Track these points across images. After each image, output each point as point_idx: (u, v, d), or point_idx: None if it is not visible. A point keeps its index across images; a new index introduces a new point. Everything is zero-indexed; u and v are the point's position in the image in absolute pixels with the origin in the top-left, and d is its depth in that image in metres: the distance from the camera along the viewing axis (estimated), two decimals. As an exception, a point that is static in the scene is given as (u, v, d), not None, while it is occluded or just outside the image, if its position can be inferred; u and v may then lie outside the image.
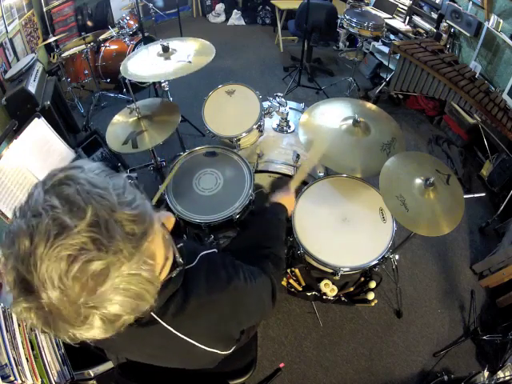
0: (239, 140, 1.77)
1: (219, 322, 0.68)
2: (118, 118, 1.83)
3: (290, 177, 1.76)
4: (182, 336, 0.65)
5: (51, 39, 2.99)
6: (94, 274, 0.42)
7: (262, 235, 0.99)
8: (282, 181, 1.81)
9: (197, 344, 0.66)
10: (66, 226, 0.41)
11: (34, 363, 1.22)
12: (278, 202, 1.13)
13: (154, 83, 3.10)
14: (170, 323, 0.63)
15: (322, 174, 1.73)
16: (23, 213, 0.44)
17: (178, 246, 0.70)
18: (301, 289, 1.68)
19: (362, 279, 1.60)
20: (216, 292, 0.66)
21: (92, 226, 0.42)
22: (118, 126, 1.78)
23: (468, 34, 2.67)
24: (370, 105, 1.74)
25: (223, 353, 0.73)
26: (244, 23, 4.94)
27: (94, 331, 0.46)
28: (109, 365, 1.47)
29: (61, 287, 0.41)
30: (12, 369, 1.12)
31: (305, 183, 1.71)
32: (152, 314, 0.61)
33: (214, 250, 0.76)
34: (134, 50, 3.22)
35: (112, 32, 3.20)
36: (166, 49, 1.86)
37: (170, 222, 0.60)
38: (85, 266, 0.41)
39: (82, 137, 2.48)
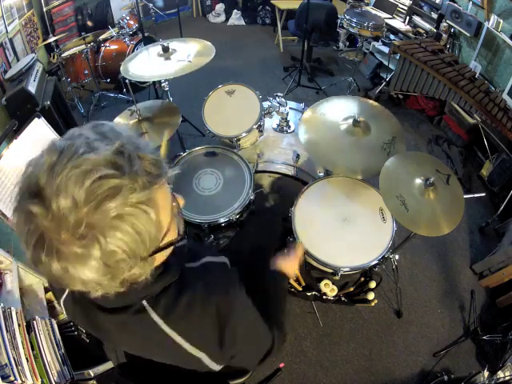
0: (239, 140, 1.77)
1: (209, 326, 0.66)
2: (118, 120, 1.83)
3: (291, 177, 1.76)
4: (169, 330, 0.63)
5: (51, 39, 2.99)
6: (106, 189, 0.44)
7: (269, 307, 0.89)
8: (281, 184, 1.80)
9: (182, 342, 0.64)
10: (94, 147, 0.46)
11: (34, 363, 1.22)
12: (279, 269, 1.02)
13: (154, 83, 3.11)
14: (160, 315, 0.62)
15: (321, 174, 1.73)
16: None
17: (181, 243, 0.69)
18: (301, 289, 1.68)
19: (362, 279, 1.59)
20: (211, 296, 0.65)
21: (117, 153, 0.46)
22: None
23: (468, 34, 2.67)
24: (371, 101, 1.74)
25: (209, 363, 0.69)
26: (244, 23, 4.94)
27: (87, 266, 0.45)
28: (109, 365, 1.47)
29: (73, 196, 0.43)
30: (12, 369, 1.12)
31: (305, 183, 1.71)
32: (144, 302, 0.61)
33: (225, 261, 0.73)
34: (133, 50, 3.22)
35: (112, 32, 3.20)
36: (166, 49, 1.86)
37: (181, 200, 0.63)
38: (100, 180, 0.43)
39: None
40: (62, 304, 0.71)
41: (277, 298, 0.97)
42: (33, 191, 0.44)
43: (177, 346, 0.65)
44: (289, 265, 1.05)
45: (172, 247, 0.59)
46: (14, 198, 0.46)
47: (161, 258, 0.59)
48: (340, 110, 1.65)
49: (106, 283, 0.49)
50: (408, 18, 3.25)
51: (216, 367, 0.71)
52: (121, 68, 1.81)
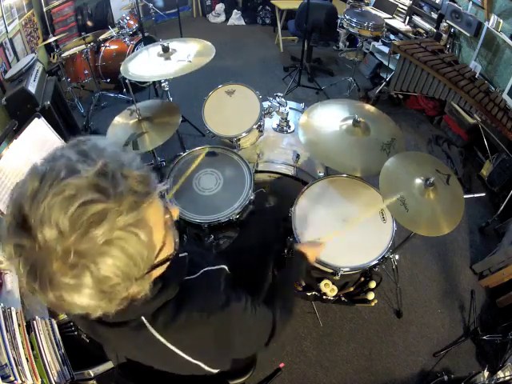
0: (239, 140, 1.77)
1: (206, 341, 0.66)
2: (118, 120, 1.83)
3: (291, 177, 1.76)
4: (168, 345, 0.64)
5: (51, 39, 2.98)
6: (91, 216, 0.42)
7: (277, 293, 0.96)
8: (281, 183, 1.80)
9: (181, 354, 0.65)
10: (75, 170, 0.44)
11: (34, 363, 1.21)
12: (301, 251, 1.13)
13: (153, 83, 3.11)
14: (159, 331, 0.62)
15: (321, 174, 1.73)
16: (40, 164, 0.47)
17: (182, 254, 0.68)
18: (301, 289, 1.68)
19: (362, 279, 1.59)
20: (209, 313, 0.64)
21: (100, 174, 0.44)
22: (119, 128, 1.78)
23: (468, 34, 2.67)
24: (368, 107, 1.74)
25: (207, 368, 0.71)
26: (244, 23, 4.94)
27: (82, 294, 0.44)
28: (109, 365, 1.47)
29: (58, 225, 0.41)
30: (12, 369, 1.12)
31: (305, 183, 1.71)
32: (143, 318, 0.61)
33: (223, 266, 0.73)
34: (133, 50, 3.22)
35: (112, 32, 3.20)
36: (166, 49, 1.86)
37: (175, 211, 0.60)
38: (84, 206, 0.42)
39: (82, 137, 2.48)
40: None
41: (291, 277, 1.04)
42: (19, 222, 0.43)
43: (176, 356, 0.65)
44: (311, 250, 1.15)
45: (169, 262, 0.58)
46: (5, 228, 0.45)
47: (158, 272, 0.58)
48: (337, 113, 1.65)
49: (104, 306, 0.48)
50: (408, 18, 3.25)
51: (215, 371, 0.73)
52: (121, 68, 1.81)
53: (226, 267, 0.75)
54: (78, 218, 0.42)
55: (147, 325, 0.61)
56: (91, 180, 0.43)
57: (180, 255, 0.67)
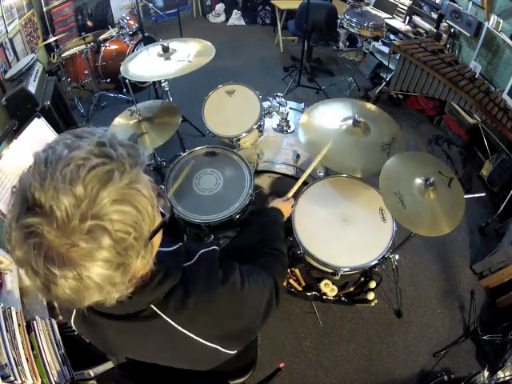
0: (239, 140, 1.77)
1: (220, 318, 0.69)
2: (118, 120, 1.83)
3: (291, 177, 1.76)
4: (183, 330, 0.65)
5: (51, 39, 2.99)
6: (100, 177, 0.45)
7: (262, 234, 1.01)
8: (281, 183, 1.81)
9: (197, 338, 0.67)
10: (76, 147, 0.48)
11: (34, 363, 1.22)
12: (274, 206, 1.17)
13: (154, 83, 3.11)
14: (171, 317, 0.64)
15: (321, 174, 1.72)
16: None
17: (177, 245, 0.72)
18: (301, 289, 1.68)
19: (362, 279, 1.59)
20: (215, 289, 0.67)
21: (98, 145, 0.49)
22: (119, 128, 1.78)
23: (468, 34, 2.67)
24: (369, 105, 1.74)
25: (225, 351, 0.72)
26: (244, 23, 4.94)
27: (100, 262, 0.45)
28: (109, 365, 1.47)
29: (73, 192, 0.43)
30: (12, 369, 1.12)
31: (305, 183, 1.71)
32: (153, 307, 0.62)
33: (215, 247, 0.77)
34: (133, 50, 3.22)
35: (112, 32, 3.20)
36: (166, 49, 1.86)
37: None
38: (93, 170, 0.45)
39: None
40: (72, 325, 0.72)
41: (275, 227, 1.07)
42: (28, 207, 0.44)
43: (192, 342, 0.66)
44: (283, 205, 1.20)
45: (161, 231, 0.60)
46: (8, 227, 0.46)
47: (156, 244, 0.60)
48: (337, 113, 1.65)
49: (118, 280, 0.49)
50: (408, 18, 3.25)
51: (232, 352, 0.74)
52: (121, 68, 1.81)
53: (217, 248, 0.78)
54: (89, 182, 0.44)
55: (159, 312, 0.63)
56: (94, 149, 0.47)
57: (175, 246, 0.71)
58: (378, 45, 3.51)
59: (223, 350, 0.71)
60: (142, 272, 0.56)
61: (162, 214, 0.58)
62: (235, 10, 4.91)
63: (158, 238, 0.59)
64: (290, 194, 1.30)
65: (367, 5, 3.54)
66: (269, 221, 1.10)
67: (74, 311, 0.69)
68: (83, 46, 2.96)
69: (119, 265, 0.48)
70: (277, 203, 1.20)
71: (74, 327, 0.73)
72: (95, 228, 0.44)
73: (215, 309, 0.67)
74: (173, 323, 0.64)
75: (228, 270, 0.71)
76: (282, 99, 1.86)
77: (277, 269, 0.88)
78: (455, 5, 2.71)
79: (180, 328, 0.65)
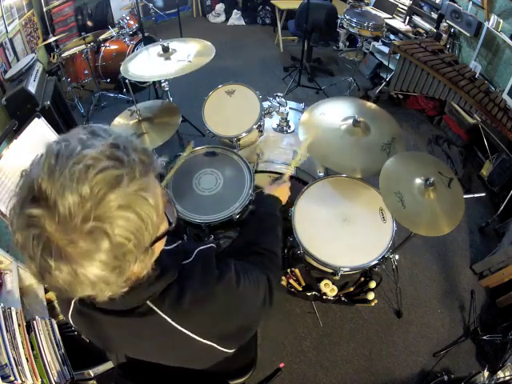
0: (239, 140, 1.77)
1: (216, 315, 0.69)
2: (118, 120, 1.83)
3: (291, 177, 1.76)
4: (179, 327, 0.65)
5: (51, 39, 2.99)
6: (108, 180, 0.45)
7: (256, 233, 0.99)
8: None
9: (193, 336, 0.66)
10: (89, 145, 0.47)
11: (34, 363, 1.22)
12: (271, 194, 1.11)
13: (153, 83, 3.11)
14: (167, 314, 0.64)
15: (321, 174, 1.73)
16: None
17: (176, 244, 0.72)
18: (301, 289, 1.68)
19: (362, 279, 1.60)
20: (211, 287, 0.67)
21: (113, 146, 0.48)
22: (119, 128, 1.79)
23: (468, 34, 2.67)
24: (369, 104, 1.74)
25: (221, 349, 0.72)
26: (244, 23, 4.94)
27: (96, 263, 0.46)
28: (109, 365, 1.47)
29: (79, 191, 0.43)
30: (12, 369, 1.12)
31: (305, 183, 1.71)
32: (149, 303, 0.62)
33: (212, 244, 0.77)
34: (133, 50, 3.22)
35: (112, 32, 3.20)
36: (166, 49, 1.86)
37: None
38: (102, 172, 0.45)
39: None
40: (70, 319, 0.72)
41: (270, 223, 1.02)
42: (34, 196, 0.44)
43: (188, 339, 0.66)
44: (281, 190, 1.14)
45: (165, 237, 0.60)
46: (12, 210, 0.46)
47: (158, 249, 0.60)
48: (338, 111, 1.65)
49: (113, 280, 0.49)
50: (408, 17, 3.25)
51: (230, 351, 0.75)
52: (121, 68, 1.81)
53: (215, 245, 0.78)
54: (97, 184, 0.44)
55: (155, 308, 0.63)
56: (106, 150, 0.47)
57: (173, 245, 0.72)
58: (378, 45, 3.51)
59: (219, 347, 0.71)
60: (138, 274, 0.56)
61: (169, 222, 0.58)
62: (235, 10, 4.91)
63: (160, 244, 0.60)
64: (286, 175, 1.23)
65: (367, 5, 3.54)
66: (265, 213, 1.05)
67: (72, 306, 0.69)
68: (83, 46, 2.96)
69: (115, 267, 0.48)
70: (273, 190, 1.13)
71: (71, 322, 0.72)
72: (96, 230, 0.44)
73: (210, 307, 0.67)
74: (169, 320, 0.64)
75: (223, 267, 0.72)
76: (282, 99, 1.87)
77: (270, 268, 0.87)
78: (455, 5, 2.71)
79: (175, 325, 0.64)
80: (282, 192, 1.14)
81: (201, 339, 0.67)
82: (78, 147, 0.46)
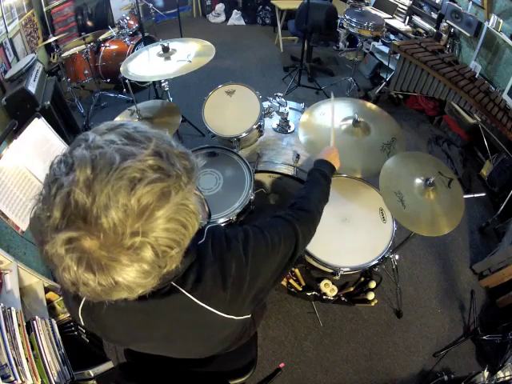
0: (239, 140, 1.77)
1: (232, 287, 0.68)
2: (118, 120, 1.83)
3: (291, 177, 1.76)
4: (201, 303, 0.65)
5: (51, 39, 2.98)
6: (156, 195, 0.43)
7: (311, 190, 1.02)
8: (281, 183, 1.81)
9: (214, 311, 0.67)
10: (129, 154, 0.43)
11: (34, 363, 1.21)
12: (326, 159, 1.11)
13: (153, 83, 3.11)
14: (190, 292, 0.64)
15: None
16: (78, 146, 0.45)
17: None
18: (301, 289, 1.68)
19: (362, 279, 1.60)
20: (222, 253, 0.68)
21: (154, 155, 0.45)
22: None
23: (468, 34, 2.67)
24: (369, 104, 1.74)
25: (239, 318, 0.72)
26: (244, 23, 4.94)
27: (139, 273, 0.45)
28: (109, 365, 1.47)
29: (126, 208, 0.41)
30: (12, 369, 1.12)
31: (304, 183, 1.71)
32: (172, 283, 0.62)
33: (219, 224, 0.78)
34: (134, 50, 3.22)
35: (112, 32, 3.20)
36: (166, 49, 1.86)
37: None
38: (149, 186, 0.42)
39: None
40: (79, 316, 0.69)
41: (321, 186, 1.05)
42: (73, 213, 0.41)
43: (210, 314, 0.67)
44: (334, 155, 1.14)
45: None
46: (50, 224, 0.41)
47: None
48: (339, 112, 1.65)
49: (150, 283, 0.49)
50: (408, 18, 3.25)
51: (246, 317, 0.75)
52: (121, 68, 1.81)
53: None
54: (143, 199, 0.42)
55: (178, 287, 0.62)
56: (149, 161, 0.44)
57: None
58: (378, 45, 3.51)
59: (237, 318, 0.71)
60: (171, 269, 0.54)
61: (209, 214, 0.59)
62: (235, 10, 4.91)
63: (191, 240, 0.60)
64: (332, 142, 1.26)
65: (367, 5, 3.55)
66: (321, 175, 1.07)
67: (82, 302, 0.67)
68: (83, 46, 2.96)
69: (156, 273, 0.48)
70: (327, 155, 1.13)
71: (80, 319, 0.69)
72: (142, 244, 0.43)
73: (226, 279, 0.67)
74: (191, 297, 0.64)
75: (230, 235, 0.72)
76: (282, 99, 1.87)
77: (307, 224, 0.86)
78: (455, 5, 2.71)
79: (197, 301, 0.65)
80: (335, 158, 1.16)
81: (221, 314, 0.68)
82: (117, 157, 0.42)
